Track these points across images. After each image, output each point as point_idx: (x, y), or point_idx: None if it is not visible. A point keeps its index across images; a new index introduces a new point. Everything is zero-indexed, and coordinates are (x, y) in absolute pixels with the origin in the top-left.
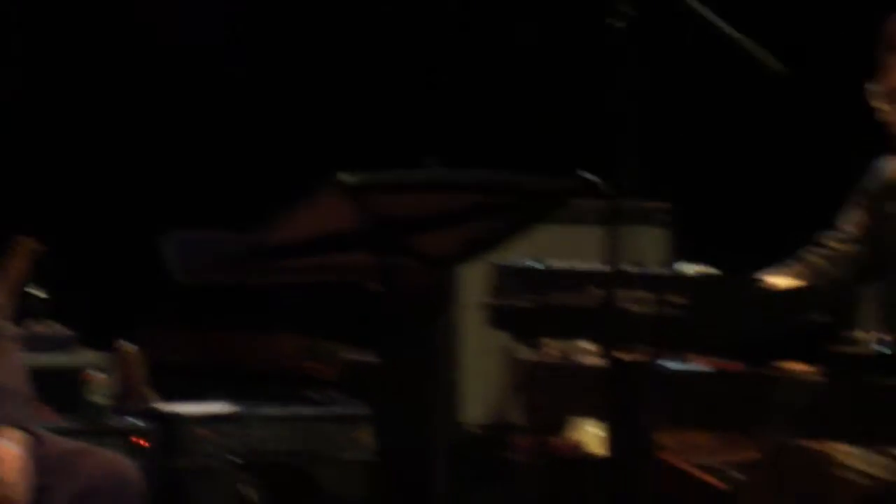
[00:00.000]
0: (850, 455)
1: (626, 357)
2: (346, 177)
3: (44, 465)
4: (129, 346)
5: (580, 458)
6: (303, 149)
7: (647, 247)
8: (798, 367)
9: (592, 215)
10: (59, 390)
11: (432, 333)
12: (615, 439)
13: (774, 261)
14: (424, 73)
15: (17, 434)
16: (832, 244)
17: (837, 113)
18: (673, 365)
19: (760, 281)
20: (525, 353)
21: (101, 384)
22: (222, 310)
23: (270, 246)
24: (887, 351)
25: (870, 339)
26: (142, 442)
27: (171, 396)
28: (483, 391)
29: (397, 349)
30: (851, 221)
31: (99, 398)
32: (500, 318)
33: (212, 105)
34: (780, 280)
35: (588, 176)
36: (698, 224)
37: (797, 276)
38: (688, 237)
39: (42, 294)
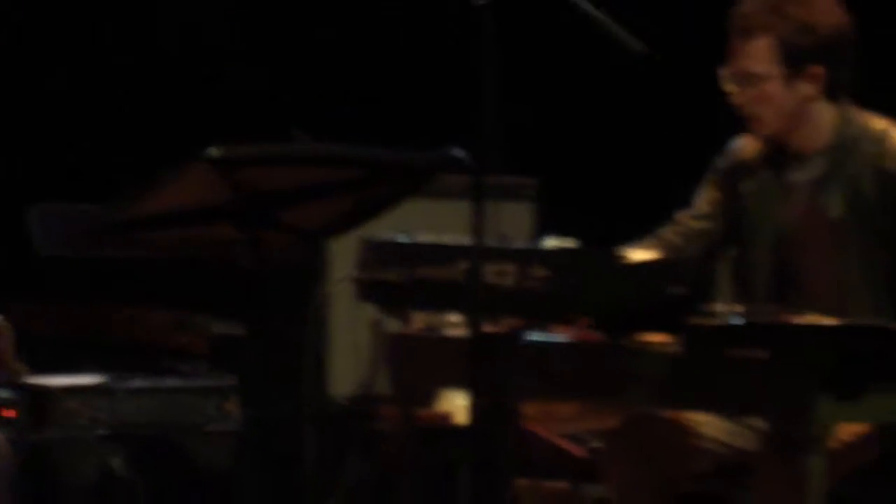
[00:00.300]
0: (706, 424)
1: (491, 329)
2: (213, 150)
3: None
4: None
5: (447, 429)
6: (170, 122)
7: (513, 221)
8: (657, 338)
9: (459, 190)
10: None
11: (301, 307)
12: (480, 410)
13: (639, 235)
14: (291, 45)
15: None
16: (685, 221)
17: (699, 91)
18: (536, 336)
19: (621, 255)
20: (393, 325)
21: None
22: (92, 282)
23: (136, 219)
24: (741, 322)
25: (726, 312)
26: (9, 413)
27: (40, 369)
28: (351, 364)
29: (266, 322)
30: (704, 199)
31: None
32: (369, 291)
33: (77, 76)
34: (639, 254)
35: (454, 151)
36: (564, 199)
37: (653, 251)
38: (554, 212)
39: None
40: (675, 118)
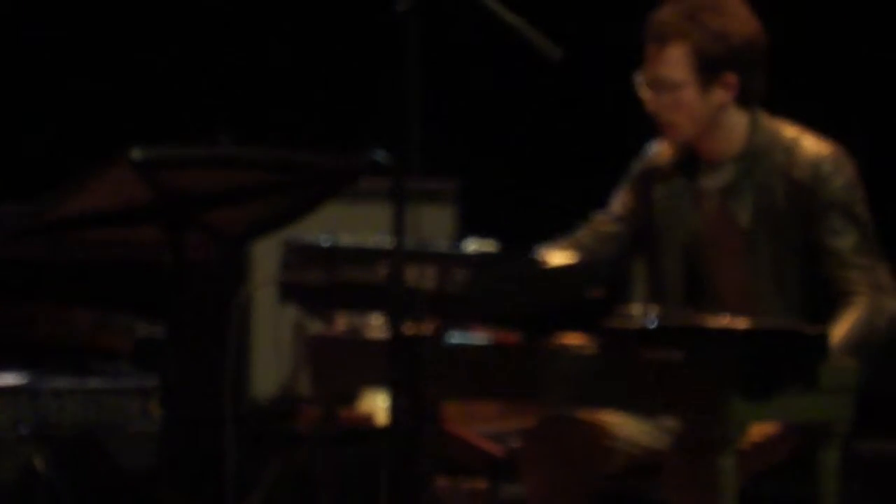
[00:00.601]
0: (621, 424)
1: (412, 330)
2: (134, 151)
3: None
4: None
5: (369, 429)
6: (93, 122)
7: (434, 224)
8: (574, 339)
9: (381, 193)
10: None
11: (223, 308)
12: (400, 410)
13: (556, 236)
14: (216, 47)
15: None
16: (599, 223)
17: (618, 94)
18: (456, 338)
19: (540, 258)
20: (315, 327)
21: None
22: (15, 282)
23: (58, 220)
24: (655, 325)
25: (641, 314)
26: None
27: None
28: (273, 365)
29: (188, 323)
30: (618, 202)
31: None
32: (291, 293)
33: None
34: (558, 257)
35: (376, 154)
36: (485, 201)
37: (567, 252)
38: (475, 214)
39: None
40: (593, 120)
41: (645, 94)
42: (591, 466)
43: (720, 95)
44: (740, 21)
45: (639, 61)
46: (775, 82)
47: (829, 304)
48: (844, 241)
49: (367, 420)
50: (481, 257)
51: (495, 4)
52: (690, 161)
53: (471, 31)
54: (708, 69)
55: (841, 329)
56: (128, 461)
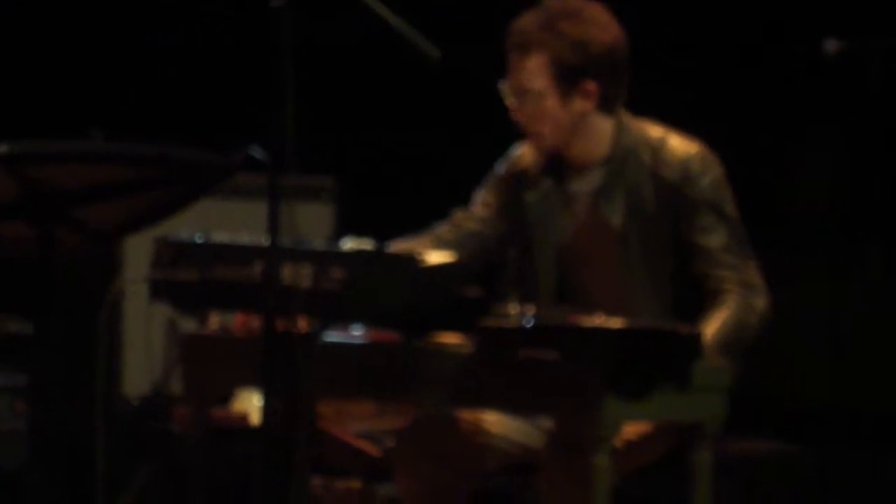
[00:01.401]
0: (496, 423)
1: (287, 329)
2: (1, 146)
3: None
4: None
5: (243, 429)
6: None
7: (312, 222)
8: (451, 338)
9: (256, 190)
10: None
11: (93, 305)
12: (273, 409)
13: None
14: (88, 43)
15: None
16: (461, 221)
17: (490, 92)
18: (332, 337)
19: (418, 257)
20: (188, 325)
21: None
22: None
23: None
24: (530, 324)
25: (518, 313)
26: None
27: None
28: (145, 363)
29: (57, 321)
30: (482, 202)
31: None
32: (163, 290)
33: None
34: (434, 255)
35: (252, 150)
36: (364, 199)
37: (424, 246)
38: (354, 212)
39: None
40: (470, 118)
41: (509, 100)
42: (466, 465)
43: (581, 104)
44: (599, 28)
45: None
46: (639, 80)
47: (700, 302)
48: (714, 239)
49: (241, 419)
50: (358, 255)
51: (375, 3)
52: (558, 165)
53: (349, 27)
54: (567, 78)
55: (711, 327)
56: None
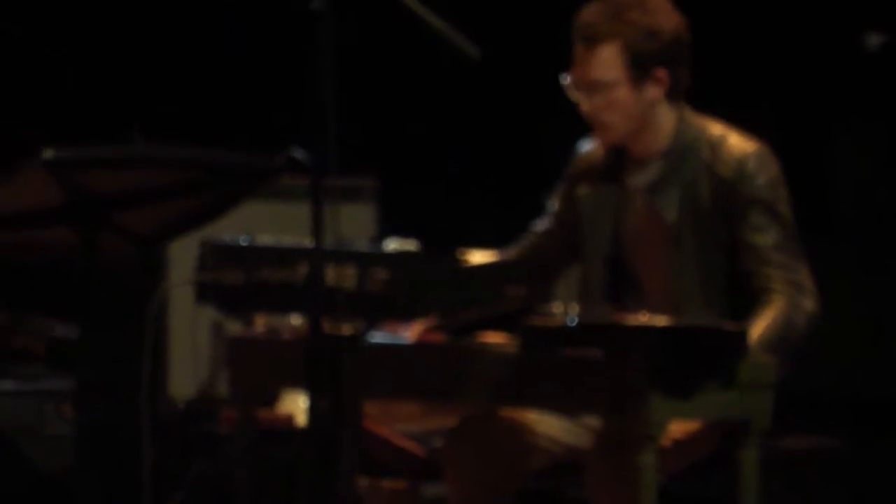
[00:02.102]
0: (543, 422)
1: (333, 330)
2: (47, 152)
3: None
4: None
5: (289, 430)
6: (6, 124)
7: (354, 223)
8: (496, 338)
9: (299, 192)
10: None
11: (139, 309)
12: (318, 411)
13: (479, 236)
14: (133, 47)
15: None
16: (537, 229)
17: (538, 94)
18: (378, 338)
19: (460, 257)
20: (234, 328)
21: None
22: None
23: None
24: (574, 323)
25: (562, 312)
26: None
27: None
28: (191, 366)
29: (103, 325)
30: (553, 203)
31: None
32: (209, 293)
33: None
34: (477, 255)
35: (294, 153)
36: (406, 200)
37: (508, 256)
38: (395, 213)
39: None
40: (512, 120)
41: (575, 96)
42: (513, 465)
43: (653, 91)
44: (666, 16)
45: (558, 61)
46: (702, 80)
47: (751, 299)
48: (765, 237)
49: (288, 421)
50: (401, 256)
51: (414, 3)
52: (618, 159)
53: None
54: (640, 66)
55: (759, 327)
56: (43, 463)
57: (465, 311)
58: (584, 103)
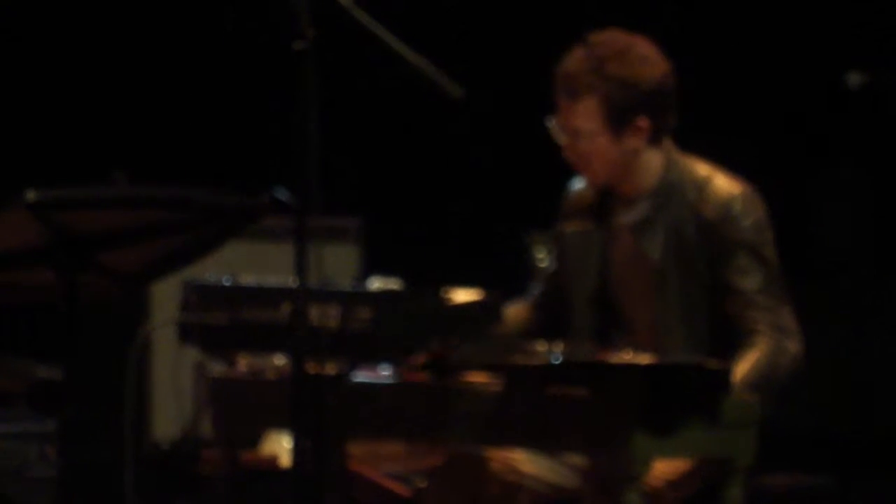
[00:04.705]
0: (527, 461)
1: (316, 370)
2: (29, 193)
3: None
4: None
5: (271, 471)
6: None
7: (338, 263)
8: (479, 377)
9: (284, 232)
10: None
11: (122, 349)
12: (304, 451)
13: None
14: (113, 86)
15: None
16: (546, 271)
17: (520, 132)
18: (361, 377)
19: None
20: (217, 368)
21: None
22: None
23: None
24: (558, 361)
25: (546, 350)
26: None
27: None
28: (174, 407)
29: (86, 366)
30: (551, 247)
31: None
32: (191, 334)
33: None
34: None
35: (277, 193)
36: (390, 240)
37: (525, 307)
38: (380, 253)
39: None
40: (496, 159)
41: (560, 139)
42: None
43: (633, 140)
44: (648, 65)
45: (543, 101)
46: (685, 118)
47: (734, 340)
48: (750, 281)
49: (271, 462)
50: (385, 295)
51: (396, 43)
52: (606, 198)
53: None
54: (619, 118)
55: (743, 368)
56: None
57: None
58: (567, 148)
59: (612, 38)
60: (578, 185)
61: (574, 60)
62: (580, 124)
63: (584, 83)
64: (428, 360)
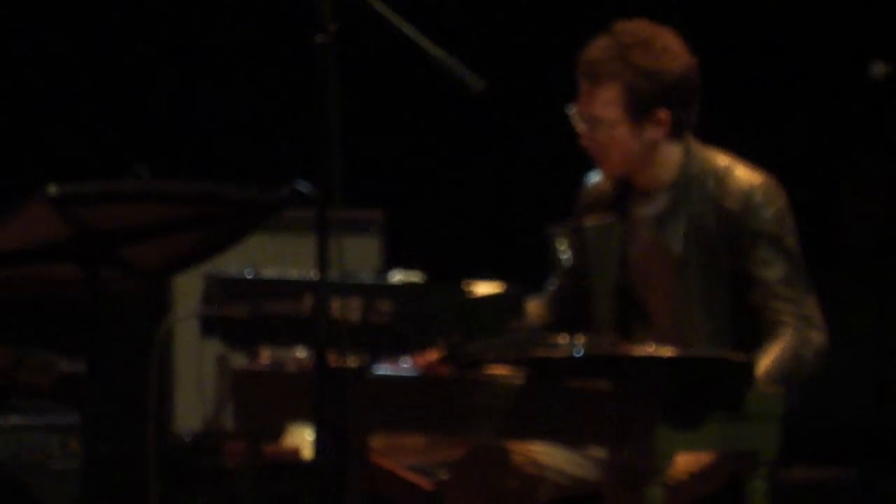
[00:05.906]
0: (548, 454)
1: (337, 363)
2: (51, 188)
3: None
4: None
5: (294, 463)
6: (9, 158)
7: (359, 255)
8: (501, 370)
9: (306, 224)
10: None
11: (144, 343)
12: (326, 443)
13: (484, 267)
14: (134, 81)
15: None
16: (565, 266)
17: (543, 124)
18: (383, 370)
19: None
20: (239, 361)
21: None
22: None
23: None
24: (580, 354)
25: (567, 343)
26: None
27: None
28: (197, 400)
29: (109, 359)
30: (569, 241)
31: None
32: (214, 327)
33: None
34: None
35: (299, 185)
36: (412, 232)
37: (545, 303)
38: (402, 245)
39: None
40: (518, 151)
41: (579, 127)
42: (520, 498)
43: (652, 132)
44: (672, 57)
45: (560, 92)
46: (709, 111)
47: (758, 332)
48: (773, 271)
49: (293, 454)
50: (407, 288)
51: (417, 36)
52: (625, 190)
53: (394, 61)
54: (640, 107)
55: (767, 360)
56: (49, 498)
57: (471, 343)
58: (587, 136)
59: (637, 28)
60: (595, 178)
61: (598, 47)
62: (600, 112)
63: (606, 69)
64: (449, 352)
